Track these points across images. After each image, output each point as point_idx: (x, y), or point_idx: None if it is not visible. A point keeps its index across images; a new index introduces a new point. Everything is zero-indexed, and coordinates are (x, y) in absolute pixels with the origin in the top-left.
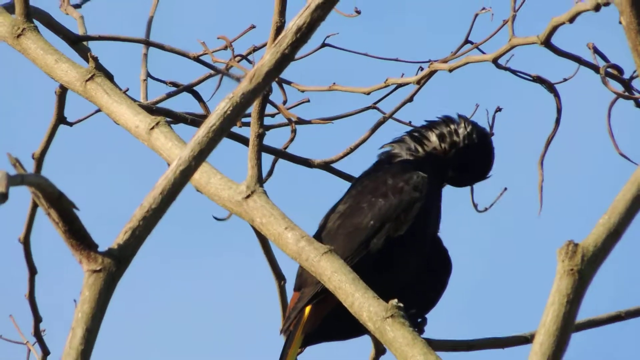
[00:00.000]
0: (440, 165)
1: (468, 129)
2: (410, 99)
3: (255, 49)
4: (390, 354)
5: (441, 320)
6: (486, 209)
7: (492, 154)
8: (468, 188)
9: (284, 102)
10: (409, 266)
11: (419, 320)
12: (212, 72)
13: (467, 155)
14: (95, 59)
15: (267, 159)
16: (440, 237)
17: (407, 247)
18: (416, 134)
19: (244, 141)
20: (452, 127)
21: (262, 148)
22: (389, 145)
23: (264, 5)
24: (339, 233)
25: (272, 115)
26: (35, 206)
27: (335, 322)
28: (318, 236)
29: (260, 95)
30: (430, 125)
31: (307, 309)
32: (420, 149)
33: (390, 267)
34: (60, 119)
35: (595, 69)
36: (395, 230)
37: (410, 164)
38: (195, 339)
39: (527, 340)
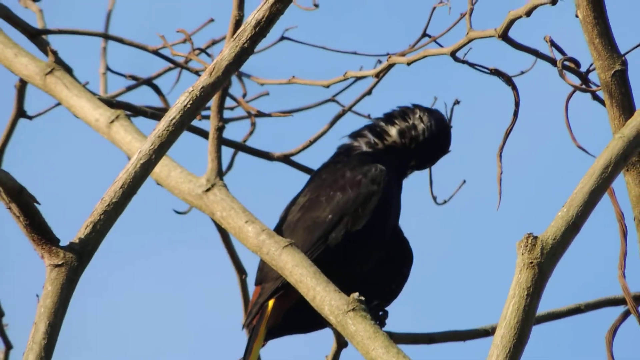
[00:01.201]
0: (400, 156)
1: (425, 121)
2: (369, 92)
3: (214, 43)
4: (352, 347)
5: (402, 314)
6: (445, 202)
7: (449, 134)
8: (427, 181)
9: (244, 96)
10: (368, 259)
11: (380, 313)
12: (171, 65)
13: (427, 144)
14: (55, 53)
15: (227, 152)
16: (400, 228)
17: (367, 240)
18: (376, 129)
19: (204, 134)
20: (411, 121)
21: (222, 141)
22: (348, 138)
23: None
24: (299, 226)
25: (232, 109)
26: None
27: (297, 315)
28: (279, 229)
29: (220, 88)
30: (389, 118)
31: (270, 304)
32: (380, 143)
33: (350, 260)
34: (20, 113)
35: (553, 62)
36: (354, 224)
37: (369, 157)
38: (157, 333)
39: (487, 333)
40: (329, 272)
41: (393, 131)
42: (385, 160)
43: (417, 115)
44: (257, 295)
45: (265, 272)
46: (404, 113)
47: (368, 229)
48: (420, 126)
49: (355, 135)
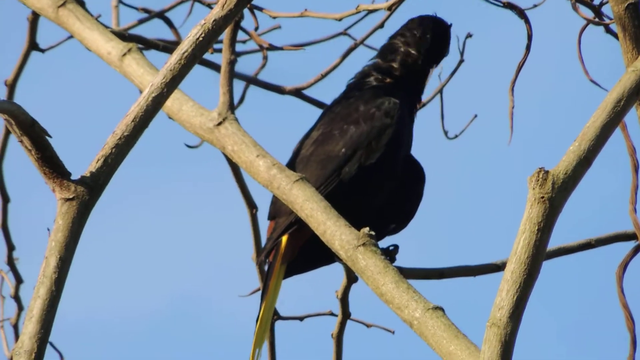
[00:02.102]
0: (412, 85)
1: (420, 35)
2: (382, 25)
3: None
4: (362, 282)
5: (413, 249)
6: (456, 136)
7: (449, 32)
8: (438, 115)
9: (256, 29)
10: (382, 192)
11: (391, 248)
12: None
13: (432, 45)
14: None
15: (238, 85)
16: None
17: (380, 173)
18: (381, 67)
19: (216, 68)
20: (406, 48)
21: (233, 75)
22: (356, 77)
23: None
24: (312, 160)
25: (244, 42)
26: (7, 133)
27: (314, 250)
28: (292, 163)
29: (232, 21)
30: (385, 55)
31: (284, 239)
32: (388, 78)
33: (363, 193)
34: (33, 46)
35: None
36: (367, 158)
37: (381, 90)
38: (168, 266)
39: (498, 268)
40: (342, 206)
41: (396, 64)
42: (397, 93)
43: (412, 27)
44: (271, 230)
45: (278, 206)
46: (395, 44)
47: (381, 162)
48: (419, 32)
49: (363, 74)
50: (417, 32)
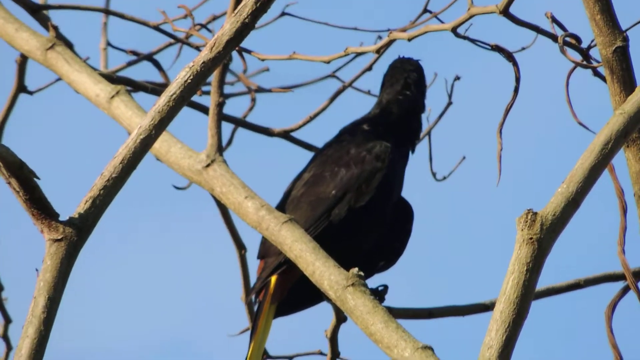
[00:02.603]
0: (403, 128)
1: (408, 68)
2: (370, 68)
3: (215, 18)
4: (351, 322)
5: (402, 289)
6: (445, 178)
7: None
8: (427, 157)
9: (244, 71)
10: (371, 234)
11: (380, 288)
12: (172, 40)
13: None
14: (56, 28)
15: (227, 128)
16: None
17: (370, 216)
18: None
19: (204, 110)
20: (400, 77)
21: (222, 117)
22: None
23: None
24: (302, 202)
25: (232, 84)
26: None
27: (304, 290)
28: (283, 204)
29: (221, 64)
30: (378, 102)
31: (273, 279)
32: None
33: (352, 236)
34: (21, 88)
35: (554, 38)
36: (357, 201)
37: (373, 134)
38: (157, 308)
39: (487, 308)
40: (332, 247)
41: (386, 112)
42: (389, 137)
43: (400, 69)
44: (261, 270)
45: (267, 246)
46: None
47: (371, 205)
48: (408, 70)
49: (356, 121)
50: (396, 78)
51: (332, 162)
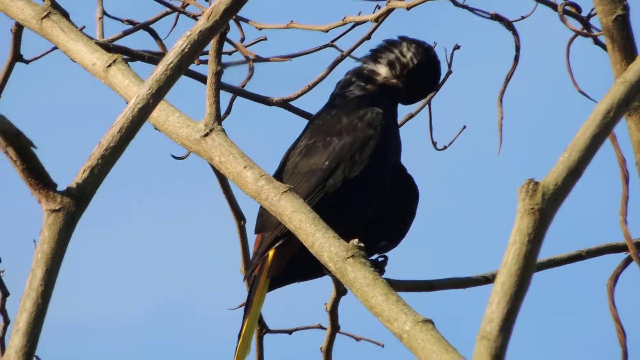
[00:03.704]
0: (395, 95)
1: (413, 49)
2: (368, 37)
3: None
4: (351, 295)
5: (402, 261)
6: (445, 147)
7: (439, 66)
8: (427, 126)
9: (242, 40)
10: (369, 204)
11: (380, 259)
12: (168, 9)
13: (417, 75)
14: None
15: (225, 97)
16: (403, 165)
17: (366, 186)
18: (363, 72)
19: (202, 79)
20: (397, 52)
21: (220, 86)
22: (339, 88)
23: None
24: (296, 173)
25: (230, 53)
26: None
27: (300, 263)
28: (278, 175)
29: (218, 32)
30: (375, 55)
31: (271, 253)
32: (371, 85)
33: (350, 206)
34: (17, 57)
35: (554, 6)
36: (351, 171)
37: (365, 100)
38: (154, 279)
39: (488, 280)
40: (329, 219)
41: (382, 69)
42: (382, 102)
43: (404, 46)
44: (258, 245)
45: (264, 218)
46: (390, 45)
47: (367, 174)
48: (408, 55)
49: (345, 84)
50: (410, 51)
51: (323, 132)
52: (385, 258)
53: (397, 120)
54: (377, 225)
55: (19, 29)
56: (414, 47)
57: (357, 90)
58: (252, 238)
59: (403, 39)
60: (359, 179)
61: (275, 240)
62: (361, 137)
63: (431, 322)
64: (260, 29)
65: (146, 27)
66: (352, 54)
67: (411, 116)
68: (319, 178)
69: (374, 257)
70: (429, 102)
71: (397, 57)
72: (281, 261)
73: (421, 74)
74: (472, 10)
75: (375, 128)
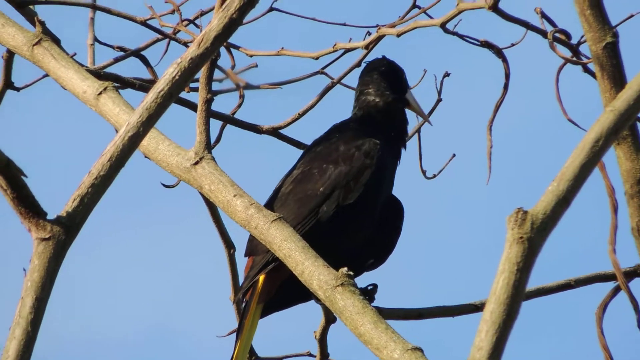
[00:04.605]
0: (394, 126)
1: (370, 80)
2: (359, 64)
3: (202, 14)
4: (340, 323)
5: (391, 289)
6: (435, 176)
7: (386, 63)
8: (416, 154)
9: (232, 67)
10: (360, 232)
11: (370, 287)
12: (159, 36)
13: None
14: (42, 23)
15: (215, 124)
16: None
17: (358, 214)
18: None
19: (192, 107)
20: (367, 97)
21: (210, 114)
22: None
23: None
24: (290, 198)
25: (220, 81)
26: None
27: (290, 289)
28: (271, 200)
29: (209, 60)
30: (359, 102)
31: (261, 278)
32: (361, 110)
33: (341, 233)
34: (8, 84)
35: (543, 34)
36: (345, 198)
37: (363, 131)
38: (144, 307)
39: (477, 308)
40: (320, 245)
41: (366, 111)
42: (379, 135)
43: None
44: (249, 268)
45: (255, 243)
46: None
47: (360, 202)
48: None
49: (345, 120)
50: (368, 78)
51: (320, 159)
52: (375, 286)
53: (396, 157)
54: (364, 243)
55: (10, 56)
56: (375, 63)
57: (356, 125)
58: (242, 263)
59: (361, 73)
60: (352, 207)
61: (267, 264)
62: (357, 166)
63: (420, 350)
64: (251, 56)
65: (137, 53)
66: (342, 81)
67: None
68: (313, 204)
69: (364, 278)
70: (418, 131)
71: (367, 89)
72: (272, 287)
73: (385, 77)
74: (462, 37)
75: (372, 158)
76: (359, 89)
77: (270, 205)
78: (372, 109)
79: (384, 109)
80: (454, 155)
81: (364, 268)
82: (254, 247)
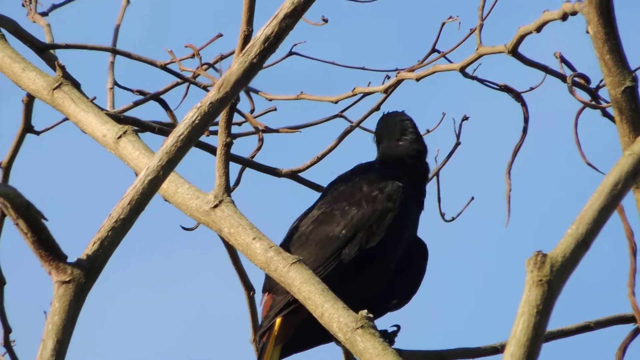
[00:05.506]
0: (418, 171)
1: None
2: (378, 108)
3: (222, 58)
4: None
5: (412, 331)
6: (453, 219)
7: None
8: (435, 198)
9: (252, 111)
10: (383, 275)
11: (393, 328)
12: (179, 80)
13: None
14: (63, 68)
15: (234, 168)
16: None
17: (381, 257)
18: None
19: (212, 150)
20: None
21: (229, 157)
22: None
23: (231, 14)
24: (311, 239)
25: (240, 124)
26: (3, 216)
27: (307, 331)
28: (290, 240)
29: (228, 104)
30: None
31: (278, 321)
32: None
33: (363, 276)
34: (28, 128)
35: (563, 78)
36: (368, 241)
37: (387, 173)
38: (164, 347)
39: (497, 350)
40: (342, 288)
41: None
42: (404, 178)
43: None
44: (268, 308)
45: (274, 282)
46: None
47: (383, 245)
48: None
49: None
50: (391, 127)
51: (343, 200)
52: (398, 327)
53: (420, 199)
54: (388, 284)
55: (30, 100)
56: (397, 115)
57: (380, 166)
58: (261, 307)
59: (382, 122)
60: (375, 250)
61: (287, 304)
62: (380, 209)
63: None
64: (270, 100)
65: (157, 97)
66: (361, 124)
67: None
68: (335, 246)
69: (387, 318)
70: (437, 174)
71: (401, 127)
72: (289, 328)
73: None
74: (481, 81)
75: (395, 201)
76: (387, 133)
77: (288, 244)
78: (401, 153)
79: (414, 154)
80: (472, 198)
81: (387, 308)
82: (273, 284)
